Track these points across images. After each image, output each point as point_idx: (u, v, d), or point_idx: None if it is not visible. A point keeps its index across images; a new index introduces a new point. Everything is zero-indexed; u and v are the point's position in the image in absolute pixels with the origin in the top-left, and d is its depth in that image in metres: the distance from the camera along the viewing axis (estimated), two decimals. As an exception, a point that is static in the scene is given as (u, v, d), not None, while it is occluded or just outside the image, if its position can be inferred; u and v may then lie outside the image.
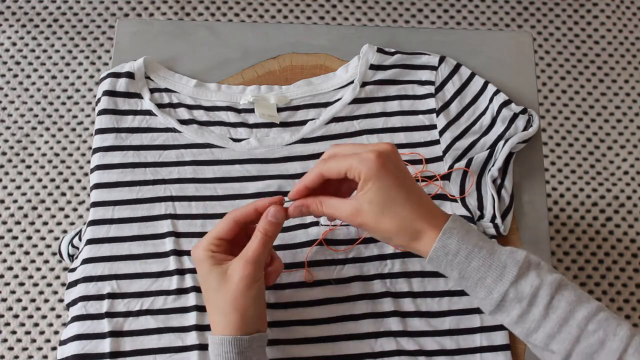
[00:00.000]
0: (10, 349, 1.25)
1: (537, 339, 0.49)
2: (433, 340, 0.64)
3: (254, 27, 0.79)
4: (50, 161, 1.37)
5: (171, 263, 0.65)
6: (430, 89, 0.72)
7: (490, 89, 0.72)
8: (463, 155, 0.69)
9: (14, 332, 1.26)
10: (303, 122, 0.71)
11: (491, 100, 0.71)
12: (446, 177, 0.69)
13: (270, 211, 0.55)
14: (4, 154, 1.37)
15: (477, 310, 0.65)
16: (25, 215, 1.33)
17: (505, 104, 0.70)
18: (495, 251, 0.51)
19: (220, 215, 0.67)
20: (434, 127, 0.71)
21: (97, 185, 0.68)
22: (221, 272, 0.54)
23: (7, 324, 1.26)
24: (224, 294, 0.53)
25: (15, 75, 1.43)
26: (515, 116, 0.69)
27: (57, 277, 1.29)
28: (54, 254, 1.30)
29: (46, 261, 1.30)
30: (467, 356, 0.63)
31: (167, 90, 0.72)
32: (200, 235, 0.66)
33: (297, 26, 0.78)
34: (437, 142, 0.70)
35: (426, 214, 0.52)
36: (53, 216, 1.33)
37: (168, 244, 0.66)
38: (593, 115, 1.45)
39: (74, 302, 0.65)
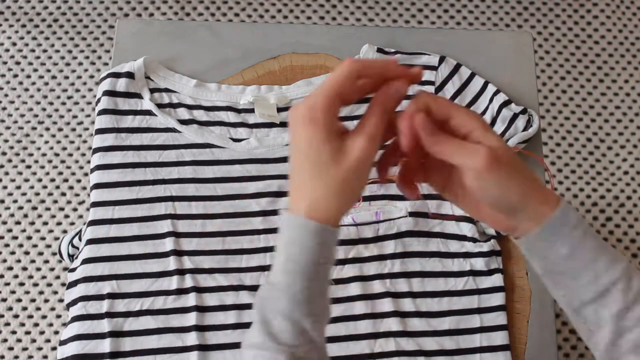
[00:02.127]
0: (10, 349, 1.25)
1: (630, 339, 0.44)
2: (433, 340, 0.64)
3: (254, 27, 0.79)
4: (50, 161, 1.37)
5: (171, 263, 0.65)
6: (431, 89, 0.72)
7: (490, 89, 0.71)
8: (463, 156, 0.69)
9: (14, 332, 1.26)
10: (303, 122, 0.71)
11: (491, 100, 0.71)
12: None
13: (396, 85, 0.44)
14: (4, 154, 1.37)
15: (477, 311, 0.65)
16: (25, 215, 1.33)
17: (505, 104, 0.70)
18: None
19: (220, 215, 0.67)
20: (434, 127, 0.71)
21: (97, 185, 0.68)
22: (338, 146, 0.42)
23: (7, 324, 1.26)
24: (335, 172, 0.42)
25: (15, 75, 1.43)
26: (515, 116, 0.69)
27: (57, 277, 1.29)
28: (54, 254, 1.30)
29: (46, 261, 1.30)
30: (467, 356, 0.63)
31: (167, 90, 0.72)
32: (200, 235, 0.66)
33: (297, 26, 0.78)
34: (437, 142, 0.70)
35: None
36: (53, 216, 1.33)
37: (168, 244, 0.66)
38: (593, 115, 1.45)
39: (74, 302, 0.65)
